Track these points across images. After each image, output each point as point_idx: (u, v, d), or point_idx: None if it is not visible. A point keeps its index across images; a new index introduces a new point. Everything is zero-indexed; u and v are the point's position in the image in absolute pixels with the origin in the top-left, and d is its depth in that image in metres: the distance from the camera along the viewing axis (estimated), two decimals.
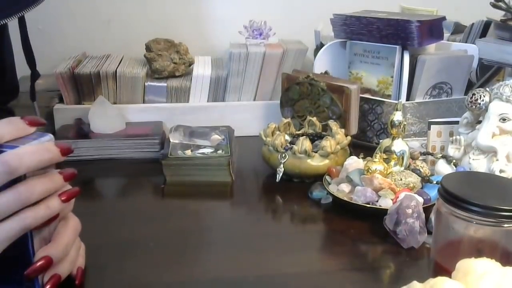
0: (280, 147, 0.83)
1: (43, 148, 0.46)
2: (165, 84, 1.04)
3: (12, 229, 0.44)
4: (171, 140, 0.89)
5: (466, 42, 1.09)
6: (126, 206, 0.78)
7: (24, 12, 0.63)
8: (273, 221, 0.75)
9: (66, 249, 0.50)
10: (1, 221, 0.44)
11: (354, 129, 0.92)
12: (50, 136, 0.48)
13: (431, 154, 0.82)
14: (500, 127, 0.72)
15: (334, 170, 0.79)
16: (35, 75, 0.83)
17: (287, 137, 0.86)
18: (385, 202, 0.69)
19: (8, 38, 0.81)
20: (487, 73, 1.03)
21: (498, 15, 0.97)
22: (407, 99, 0.97)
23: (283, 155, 0.82)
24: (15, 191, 0.44)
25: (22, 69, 0.86)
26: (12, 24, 0.68)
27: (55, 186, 0.47)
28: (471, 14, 1.14)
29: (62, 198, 0.48)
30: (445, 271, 0.50)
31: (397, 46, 0.95)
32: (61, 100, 1.03)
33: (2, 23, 0.61)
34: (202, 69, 1.05)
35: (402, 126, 0.76)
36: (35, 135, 0.47)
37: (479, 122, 0.77)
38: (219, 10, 1.24)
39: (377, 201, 0.71)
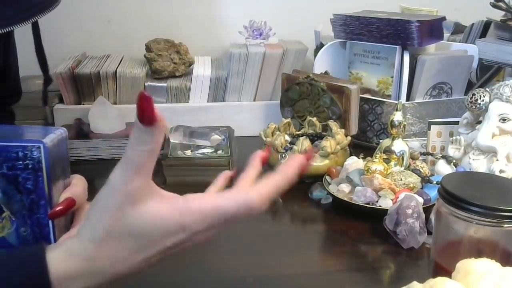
0: (280, 147, 0.83)
1: None
2: (165, 84, 1.03)
3: None
4: (171, 140, 0.89)
5: (466, 42, 1.09)
6: None
7: (35, 19, 0.62)
8: (273, 221, 0.75)
9: None
10: None
11: (354, 129, 0.92)
12: (64, 130, 0.49)
13: (431, 154, 0.82)
14: (500, 127, 0.72)
15: (334, 170, 0.79)
16: (48, 80, 0.82)
17: (287, 137, 0.86)
18: (385, 203, 0.69)
19: (14, 43, 0.81)
20: (487, 73, 1.03)
21: (498, 15, 0.97)
22: (407, 99, 0.97)
23: (283, 155, 0.82)
24: None
25: (22, 70, 0.86)
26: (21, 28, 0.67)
27: None
28: (471, 14, 1.14)
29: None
30: (445, 271, 0.50)
31: (397, 46, 0.95)
32: (61, 100, 1.03)
33: (8, 30, 0.59)
34: (202, 69, 1.05)
35: (402, 126, 0.76)
36: (53, 128, 0.48)
37: (479, 122, 0.77)
38: (219, 10, 1.24)
39: (377, 201, 0.70)
